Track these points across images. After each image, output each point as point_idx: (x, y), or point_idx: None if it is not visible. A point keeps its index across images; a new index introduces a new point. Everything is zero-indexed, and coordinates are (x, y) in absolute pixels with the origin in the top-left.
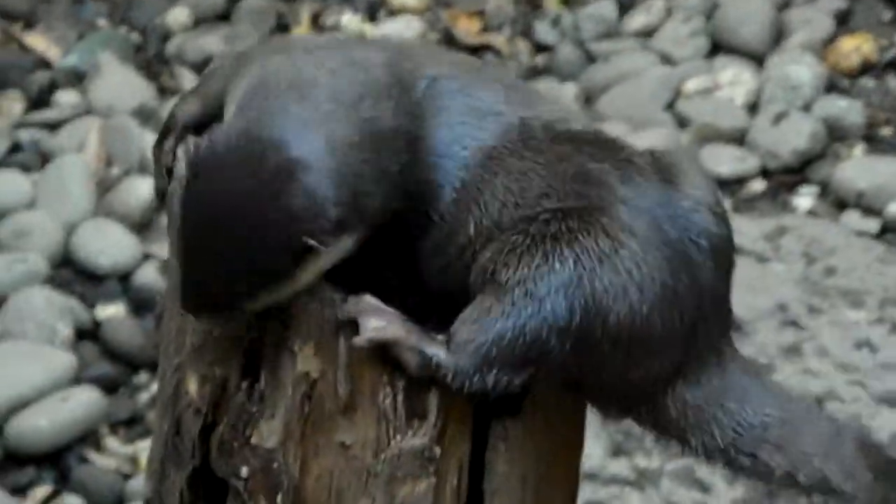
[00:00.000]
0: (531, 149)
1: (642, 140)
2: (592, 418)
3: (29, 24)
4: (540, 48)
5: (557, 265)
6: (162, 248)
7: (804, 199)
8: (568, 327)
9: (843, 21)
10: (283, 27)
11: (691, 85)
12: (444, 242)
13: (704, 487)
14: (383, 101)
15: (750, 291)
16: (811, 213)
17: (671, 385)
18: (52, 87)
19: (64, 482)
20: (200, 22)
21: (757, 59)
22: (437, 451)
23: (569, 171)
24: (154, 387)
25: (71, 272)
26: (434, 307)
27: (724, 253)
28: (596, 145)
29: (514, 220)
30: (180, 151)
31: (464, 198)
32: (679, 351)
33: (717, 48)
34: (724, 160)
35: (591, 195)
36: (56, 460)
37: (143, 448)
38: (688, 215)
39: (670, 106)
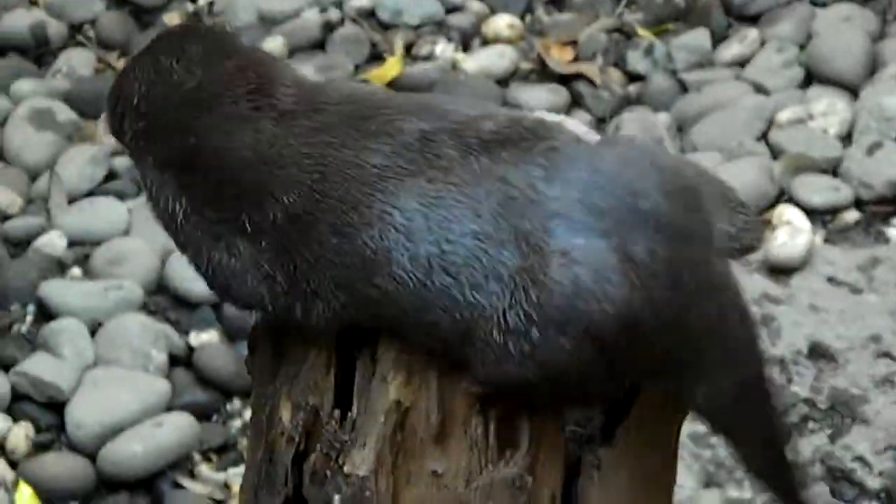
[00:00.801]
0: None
1: (734, 170)
2: (685, 450)
3: (125, 52)
4: (633, 77)
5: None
6: None
7: None
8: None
9: None
10: (377, 56)
11: (784, 115)
12: None
13: None
14: None
15: (843, 322)
16: None
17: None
18: None
19: None
20: (295, 51)
21: (851, 90)
22: (529, 480)
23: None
24: (247, 414)
25: (165, 299)
26: None
27: (672, 188)
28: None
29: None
30: None
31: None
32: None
33: (811, 78)
34: (818, 190)
35: (524, 227)
36: (149, 487)
37: (236, 475)
38: (620, 176)
39: (763, 136)
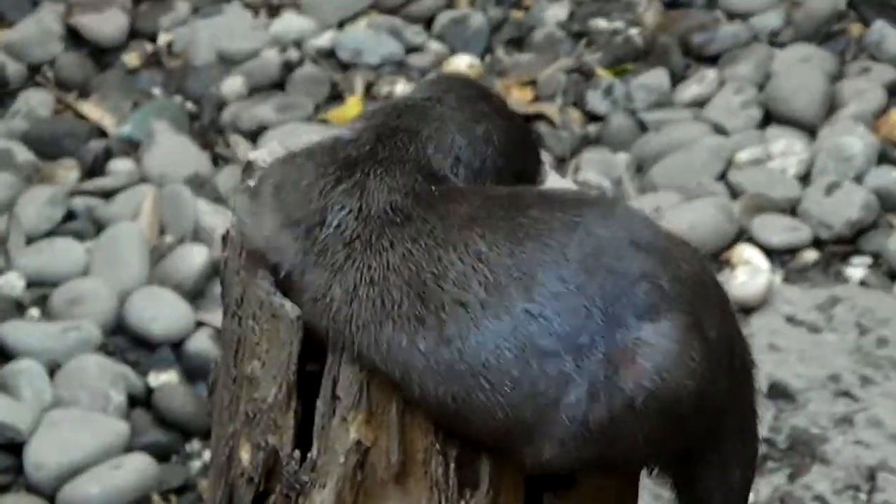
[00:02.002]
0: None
1: (693, 210)
2: (644, 490)
3: (84, 93)
4: (592, 117)
5: None
6: (215, 317)
7: (857, 269)
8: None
9: (895, 93)
10: (337, 96)
11: (743, 155)
12: None
13: None
14: None
15: (802, 361)
16: (864, 283)
17: None
18: (107, 155)
19: None
20: (255, 91)
21: (809, 130)
22: None
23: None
24: (207, 455)
25: (124, 340)
26: None
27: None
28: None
29: None
30: None
31: None
32: None
33: (770, 119)
34: (777, 230)
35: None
36: None
37: None
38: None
39: (722, 176)
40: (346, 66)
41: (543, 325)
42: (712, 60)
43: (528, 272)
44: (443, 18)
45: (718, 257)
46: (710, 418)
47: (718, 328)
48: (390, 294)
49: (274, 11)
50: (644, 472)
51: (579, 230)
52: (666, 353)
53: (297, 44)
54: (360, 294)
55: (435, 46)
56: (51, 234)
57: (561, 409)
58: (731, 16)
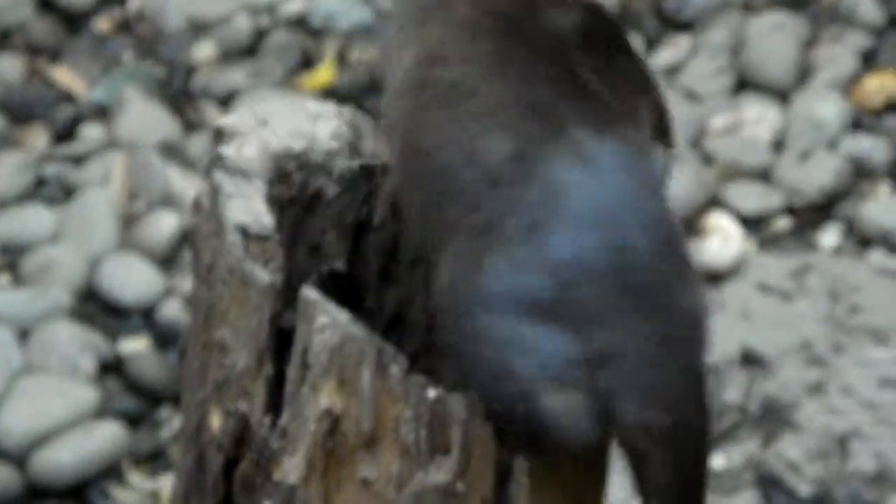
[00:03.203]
0: None
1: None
2: (618, 459)
3: (54, 58)
4: None
5: None
6: (186, 283)
7: (829, 236)
8: None
9: (869, 59)
10: (308, 62)
11: (717, 122)
12: None
13: None
14: None
15: (774, 328)
16: (836, 250)
17: None
18: (77, 121)
19: None
20: (226, 57)
21: (782, 97)
22: (461, 486)
23: None
24: (177, 422)
25: (94, 306)
26: None
27: None
28: None
29: None
30: None
31: None
32: None
33: (743, 85)
34: (749, 197)
35: None
36: (78, 495)
37: (166, 483)
38: None
39: (696, 143)
40: (317, 33)
41: None
42: (685, 27)
43: None
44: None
45: (691, 225)
46: None
47: None
48: None
49: None
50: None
51: None
52: None
53: (269, 10)
54: None
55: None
56: (21, 199)
57: None
58: None
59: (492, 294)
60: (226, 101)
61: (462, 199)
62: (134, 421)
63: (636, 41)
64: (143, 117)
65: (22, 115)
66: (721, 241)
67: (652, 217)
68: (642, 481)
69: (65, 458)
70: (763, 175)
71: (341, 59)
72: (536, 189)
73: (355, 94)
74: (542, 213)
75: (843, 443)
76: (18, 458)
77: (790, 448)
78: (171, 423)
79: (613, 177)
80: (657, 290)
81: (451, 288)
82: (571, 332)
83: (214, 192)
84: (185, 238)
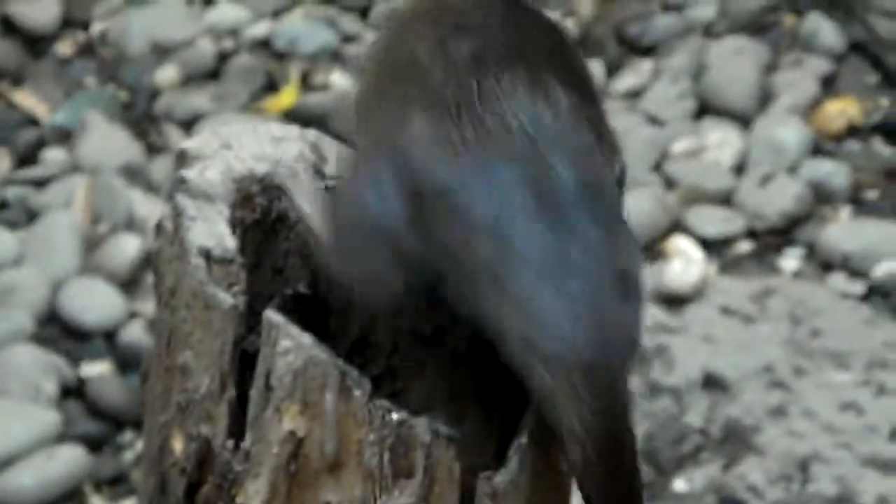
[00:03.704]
0: None
1: (629, 200)
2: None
3: (16, 81)
4: None
5: None
6: (148, 306)
7: (790, 260)
8: None
9: (829, 84)
10: (272, 86)
11: (678, 146)
12: None
13: None
14: None
15: (736, 352)
16: (797, 274)
17: None
18: (40, 144)
19: None
20: (189, 80)
21: (743, 121)
22: None
23: None
24: (139, 445)
25: (56, 329)
26: None
27: None
28: None
29: None
30: None
31: None
32: None
33: (704, 110)
34: (711, 221)
35: None
36: None
37: None
38: None
39: (657, 167)
40: (281, 56)
41: None
42: (647, 51)
43: None
44: (379, 8)
45: (653, 248)
46: None
47: None
48: None
49: (208, 1)
50: None
51: None
52: None
53: (232, 33)
54: None
55: (371, 36)
56: None
57: None
58: (667, 7)
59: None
60: (189, 124)
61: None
62: (96, 445)
63: (597, 66)
64: (106, 140)
65: None
66: (683, 264)
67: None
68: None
69: (26, 481)
70: (724, 199)
71: (305, 82)
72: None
73: (319, 116)
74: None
75: (804, 466)
76: None
77: (752, 471)
78: (134, 446)
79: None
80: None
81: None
82: None
83: (177, 215)
84: (148, 261)
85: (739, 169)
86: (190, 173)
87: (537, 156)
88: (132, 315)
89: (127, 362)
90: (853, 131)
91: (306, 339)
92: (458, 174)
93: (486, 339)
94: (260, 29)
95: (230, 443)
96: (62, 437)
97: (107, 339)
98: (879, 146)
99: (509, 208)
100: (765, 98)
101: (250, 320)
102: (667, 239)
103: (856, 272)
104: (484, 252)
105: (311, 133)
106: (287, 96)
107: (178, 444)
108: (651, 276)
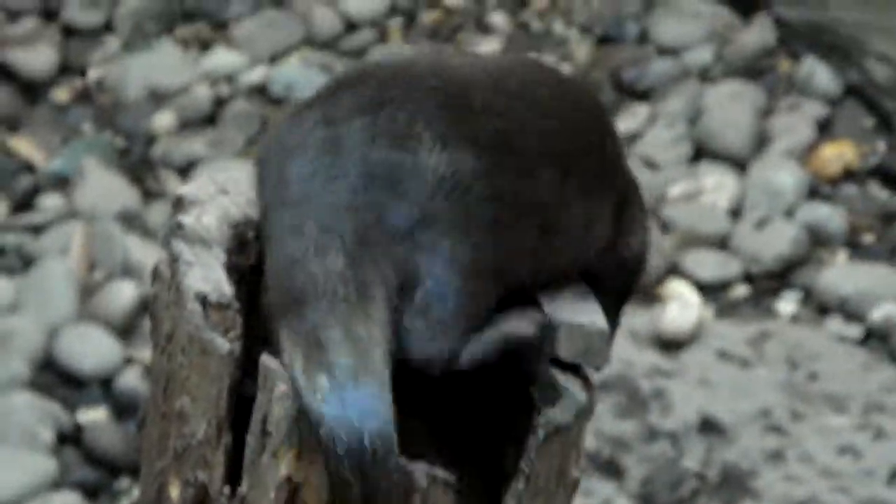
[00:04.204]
0: None
1: None
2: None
3: (13, 128)
4: None
5: None
6: (145, 353)
7: (787, 304)
8: None
9: (825, 128)
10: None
11: (675, 190)
12: None
13: None
14: None
15: (733, 396)
16: (794, 318)
17: None
18: (36, 190)
19: None
20: (185, 126)
21: (740, 165)
22: None
23: None
24: (136, 492)
25: (53, 376)
26: None
27: None
28: None
29: None
30: None
31: None
32: None
33: (701, 154)
34: (708, 265)
35: None
36: None
37: None
38: None
39: (654, 211)
40: (277, 102)
41: None
42: (643, 96)
43: None
44: (375, 54)
45: (650, 292)
46: None
47: None
48: None
49: (205, 46)
50: None
51: None
52: None
53: (229, 79)
54: None
55: None
56: None
57: None
58: (662, 51)
59: None
60: (185, 170)
61: None
62: (92, 491)
63: None
64: (103, 187)
65: None
66: (679, 308)
67: None
68: None
69: None
70: (721, 243)
71: None
72: None
73: None
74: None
75: None
76: None
77: None
78: (130, 493)
79: None
80: None
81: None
82: None
83: (174, 260)
84: (145, 307)
85: (736, 213)
86: (186, 219)
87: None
88: (128, 361)
89: (123, 409)
90: (849, 175)
91: None
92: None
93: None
94: (256, 75)
95: (227, 489)
96: (59, 484)
97: (103, 386)
98: (876, 190)
99: None
100: (761, 142)
101: (247, 365)
102: (664, 283)
103: (853, 315)
104: None
105: None
106: None
107: (174, 491)
108: (648, 320)
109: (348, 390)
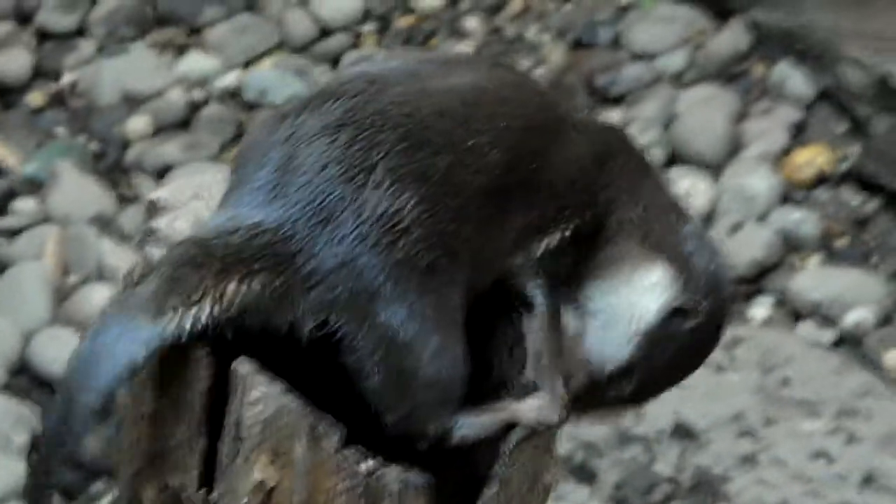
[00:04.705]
0: None
1: None
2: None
3: None
4: None
5: None
6: None
7: (760, 309)
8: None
9: (799, 133)
10: (242, 135)
11: None
12: None
13: None
14: None
15: (706, 400)
16: (767, 323)
17: None
18: (11, 195)
19: None
20: (160, 130)
21: (713, 170)
22: None
23: None
24: (112, 495)
25: (27, 380)
26: None
27: None
28: None
29: None
30: None
31: None
32: None
33: (674, 159)
34: None
35: None
36: None
37: None
38: None
39: None
40: (251, 106)
41: None
42: (617, 101)
43: None
44: (349, 58)
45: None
46: None
47: None
48: None
49: (179, 51)
50: None
51: None
52: None
53: (203, 83)
54: None
55: None
56: None
57: None
58: (636, 56)
59: None
60: (160, 174)
61: None
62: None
63: None
64: (77, 191)
65: None
66: None
67: None
68: None
69: None
70: None
71: None
72: None
73: None
74: None
75: None
76: None
77: None
78: (106, 496)
79: None
80: None
81: None
82: None
83: (148, 265)
84: None
85: (709, 217)
86: (161, 223)
87: None
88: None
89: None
90: (823, 179)
91: (276, 387)
92: None
93: None
94: (230, 79)
95: (202, 493)
96: None
97: None
98: (849, 195)
99: None
100: (734, 146)
101: (222, 369)
102: None
103: (826, 320)
104: None
105: None
106: None
107: (149, 494)
108: None
109: None
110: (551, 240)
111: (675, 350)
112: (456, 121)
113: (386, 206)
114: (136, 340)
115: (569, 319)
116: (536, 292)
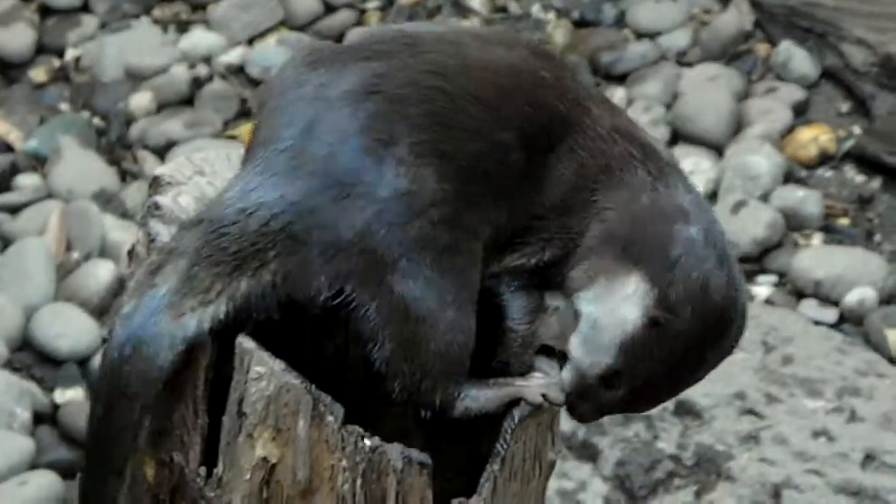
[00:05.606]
0: None
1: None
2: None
3: None
4: None
5: None
6: None
7: (762, 287)
8: None
9: (801, 112)
10: (246, 112)
11: None
12: None
13: None
14: None
15: (708, 379)
16: (769, 301)
17: None
18: (14, 170)
19: None
20: (163, 107)
21: (716, 149)
22: None
23: None
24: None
25: (30, 356)
26: None
27: None
28: None
29: None
30: None
31: None
32: None
33: (677, 137)
34: None
35: None
36: None
37: None
38: None
39: None
40: (255, 83)
41: None
42: (620, 79)
43: None
44: (353, 33)
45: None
46: None
47: None
48: None
49: (183, 27)
50: None
51: None
52: None
53: (207, 60)
54: None
55: None
56: None
57: None
58: (640, 35)
59: None
60: (163, 150)
61: None
62: (69, 471)
63: None
64: (80, 167)
65: None
66: None
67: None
68: None
69: None
70: None
71: None
72: None
73: None
74: None
75: (776, 493)
76: None
77: (724, 498)
78: None
79: None
80: None
81: None
82: None
83: (151, 241)
84: (122, 287)
85: (712, 196)
86: (163, 199)
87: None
88: (105, 341)
89: None
90: (825, 158)
91: (279, 365)
92: None
93: None
94: (234, 55)
95: (203, 470)
96: (35, 464)
97: (80, 366)
98: (851, 173)
99: None
100: (737, 125)
101: (224, 346)
102: None
103: (828, 299)
104: None
105: None
106: None
107: (150, 471)
108: None
109: None
110: (547, 245)
111: (662, 359)
112: (488, 109)
113: (406, 183)
114: (162, 347)
115: (559, 319)
116: (521, 292)
